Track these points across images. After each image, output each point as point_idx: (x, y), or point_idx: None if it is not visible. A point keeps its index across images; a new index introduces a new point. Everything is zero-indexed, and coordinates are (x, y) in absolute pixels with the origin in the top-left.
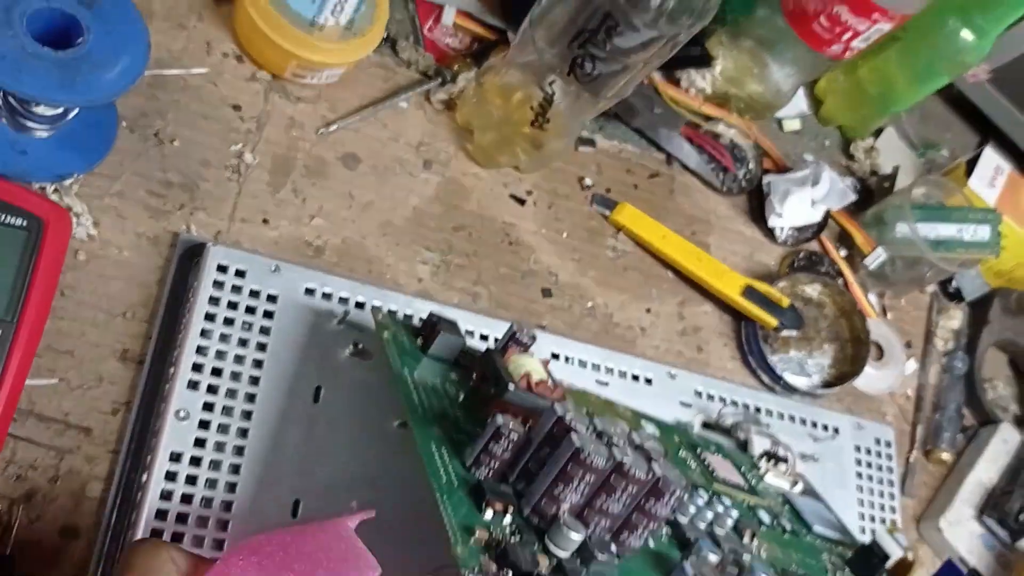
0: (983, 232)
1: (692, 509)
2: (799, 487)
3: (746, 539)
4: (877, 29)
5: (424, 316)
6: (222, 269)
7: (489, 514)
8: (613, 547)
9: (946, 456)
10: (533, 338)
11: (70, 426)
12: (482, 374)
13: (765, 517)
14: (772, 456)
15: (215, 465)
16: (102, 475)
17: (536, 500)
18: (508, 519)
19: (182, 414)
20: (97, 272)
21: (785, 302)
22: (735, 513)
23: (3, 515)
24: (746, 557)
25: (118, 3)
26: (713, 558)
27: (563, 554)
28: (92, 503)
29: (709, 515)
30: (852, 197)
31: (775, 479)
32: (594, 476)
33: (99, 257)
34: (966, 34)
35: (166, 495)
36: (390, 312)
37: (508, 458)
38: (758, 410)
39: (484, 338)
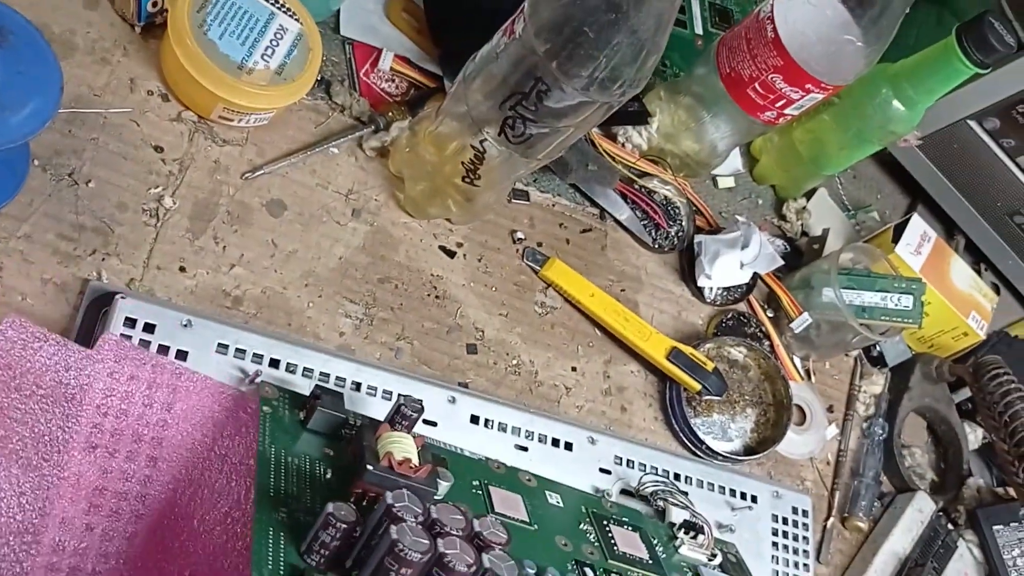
0: (906, 301)
1: None
2: (717, 560)
3: None
4: (810, 98)
5: (335, 377)
6: (130, 323)
7: None
8: None
9: (862, 524)
10: (419, 411)
11: None
12: (354, 451)
13: None
14: (690, 527)
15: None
16: None
17: None
18: None
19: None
20: None
21: (710, 366)
22: None
23: None
24: None
25: (30, 42)
26: None
27: None
28: None
29: None
30: (779, 262)
31: (691, 552)
32: (411, 570)
33: None
34: (897, 105)
35: None
36: (278, 387)
37: (339, 546)
38: (677, 477)
39: (387, 395)
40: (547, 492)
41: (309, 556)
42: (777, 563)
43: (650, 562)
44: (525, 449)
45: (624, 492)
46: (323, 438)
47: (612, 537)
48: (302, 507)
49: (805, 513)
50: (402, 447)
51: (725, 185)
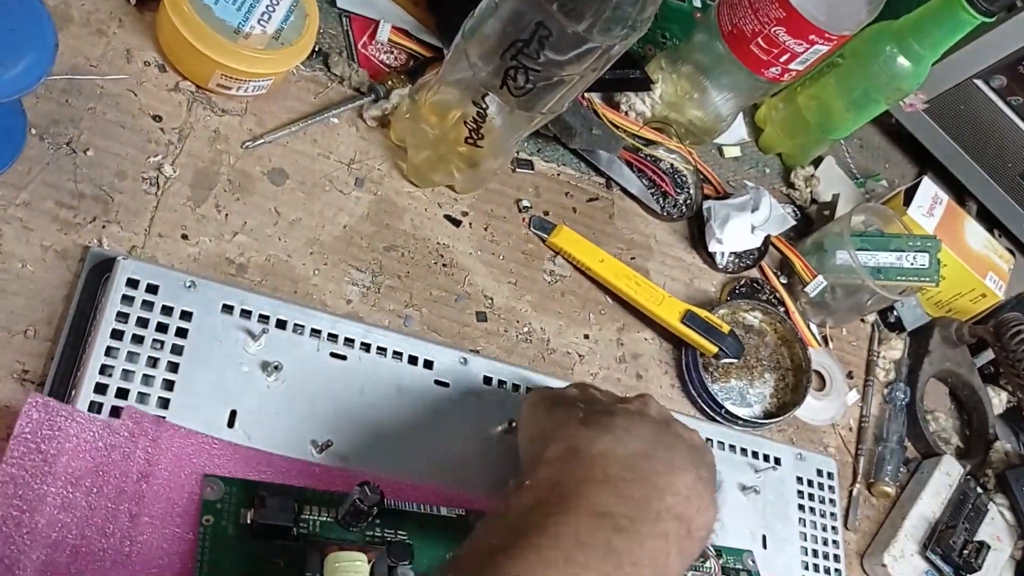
0: (923, 260)
1: None
2: None
3: None
4: (815, 51)
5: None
6: (132, 284)
7: None
8: None
9: (889, 489)
10: (379, 500)
11: None
12: (300, 569)
13: None
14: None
15: None
16: None
17: None
18: None
19: None
20: None
21: (725, 328)
22: None
23: None
24: None
25: (23, 1)
26: None
27: None
28: None
29: None
30: (792, 222)
31: None
32: None
33: (0, 272)
34: (903, 61)
35: None
36: (224, 480)
37: None
38: None
39: (413, 361)
40: None
41: None
42: (804, 525)
43: None
44: None
45: None
46: (273, 544)
47: None
48: None
49: (830, 475)
50: (351, 574)
51: (731, 154)
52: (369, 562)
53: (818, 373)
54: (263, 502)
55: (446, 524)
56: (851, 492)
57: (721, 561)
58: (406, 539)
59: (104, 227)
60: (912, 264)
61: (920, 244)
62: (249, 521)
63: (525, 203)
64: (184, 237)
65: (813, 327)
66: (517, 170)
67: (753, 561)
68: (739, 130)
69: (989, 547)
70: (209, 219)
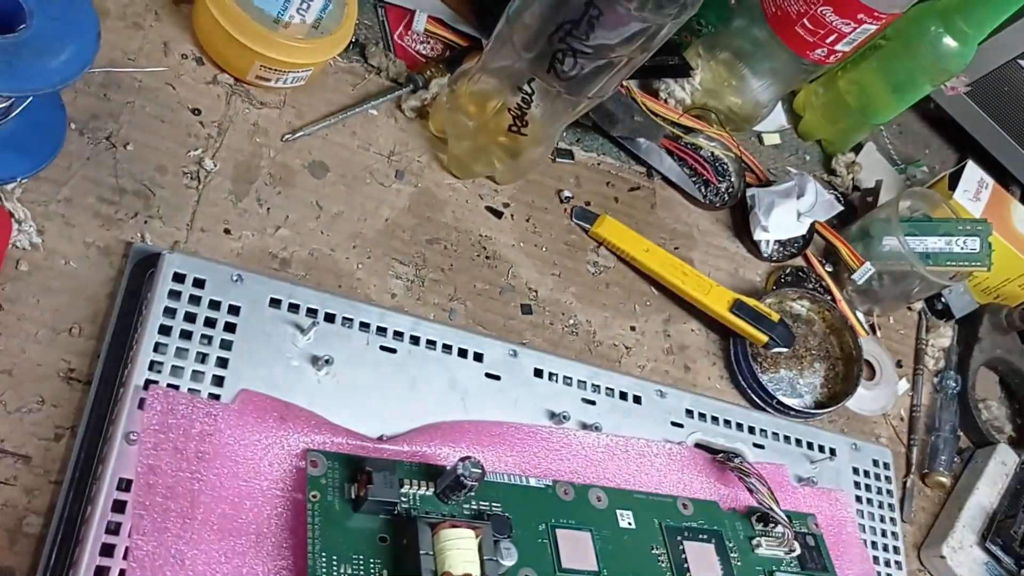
0: (973, 244)
1: None
2: (796, 552)
3: None
4: (862, 31)
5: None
6: (179, 278)
7: None
8: None
9: (944, 479)
10: (480, 476)
11: (6, 454)
12: (408, 543)
13: None
14: (767, 518)
15: None
16: (42, 509)
17: None
18: None
19: (132, 437)
20: (40, 284)
21: (775, 317)
22: None
23: None
24: None
25: None
26: None
27: None
28: (30, 541)
29: None
30: (839, 207)
31: (769, 550)
32: None
33: (42, 268)
34: (948, 40)
35: (113, 528)
36: (326, 455)
37: None
38: (752, 430)
39: (463, 354)
40: (618, 512)
41: None
42: (863, 517)
43: None
44: (593, 403)
45: (699, 446)
46: (376, 519)
47: (685, 558)
48: None
49: (887, 466)
50: (461, 551)
51: (771, 142)
52: (477, 537)
53: (867, 362)
54: (369, 477)
55: (536, 494)
56: (905, 483)
57: (792, 527)
58: (502, 511)
59: (146, 222)
60: (962, 248)
61: (970, 228)
62: (354, 496)
63: (567, 193)
64: (227, 232)
65: (860, 316)
66: (557, 160)
67: (816, 525)
68: (778, 117)
69: None
70: (251, 213)
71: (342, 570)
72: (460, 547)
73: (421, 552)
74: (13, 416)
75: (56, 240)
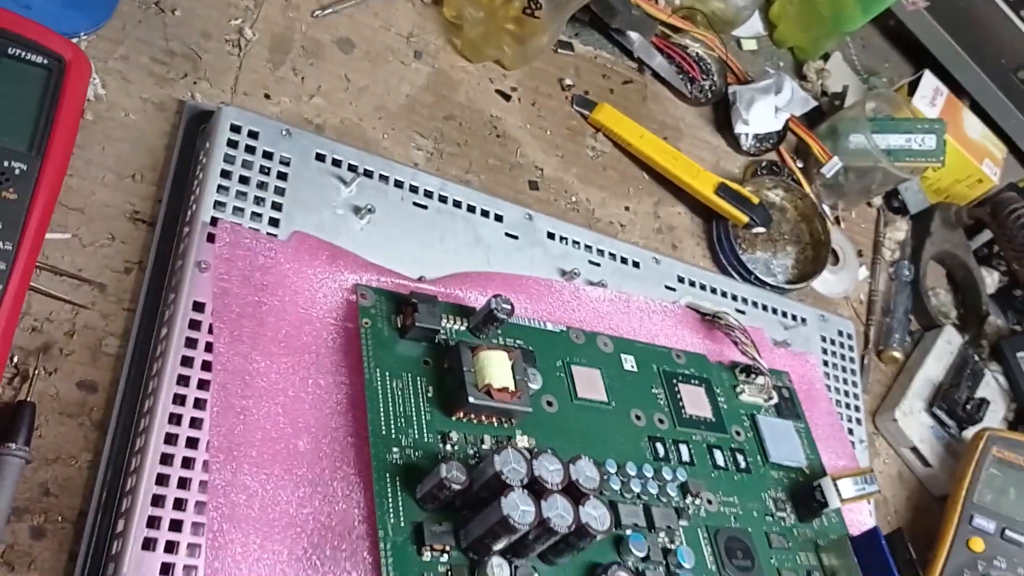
0: (930, 141)
1: (637, 486)
2: (773, 401)
3: (689, 499)
4: None
5: (424, 190)
6: (235, 129)
7: (427, 556)
8: (536, 574)
9: (897, 354)
10: (509, 311)
11: (84, 281)
12: (450, 365)
13: (720, 458)
14: (750, 370)
15: None
16: (117, 332)
17: (470, 541)
18: (445, 558)
19: (203, 266)
20: (105, 133)
21: (755, 199)
22: (683, 475)
23: (20, 366)
24: (674, 541)
25: None
26: (639, 551)
27: None
28: (109, 359)
29: (654, 489)
30: (813, 103)
31: (750, 397)
32: (519, 534)
33: (106, 119)
34: None
35: (190, 343)
36: (374, 290)
37: (451, 499)
38: (734, 298)
39: (485, 214)
40: (622, 356)
41: (424, 504)
42: (829, 379)
43: (713, 420)
44: (598, 264)
45: (689, 307)
46: (420, 345)
47: (680, 398)
48: (411, 442)
49: (850, 336)
50: (498, 368)
51: (748, 47)
52: (511, 360)
53: (832, 249)
54: (415, 307)
55: (552, 336)
56: (863, 359)
57: (771, 381)
58: (526, 345)
59: (195, 83)
60: (920, 146)
61: (928, 127)
62: (400, 325)
63: (568, 82)
64: (267, 96)
65: (826, 209)
66: (559, 51)
67: (790, 380)
68: (755, 24)
69: (989, 403)
70: (287, 81)
71: (394, 384)
72: (497, 365)
73: (464, 369)
74: (88, 249)
75: (116, 94)
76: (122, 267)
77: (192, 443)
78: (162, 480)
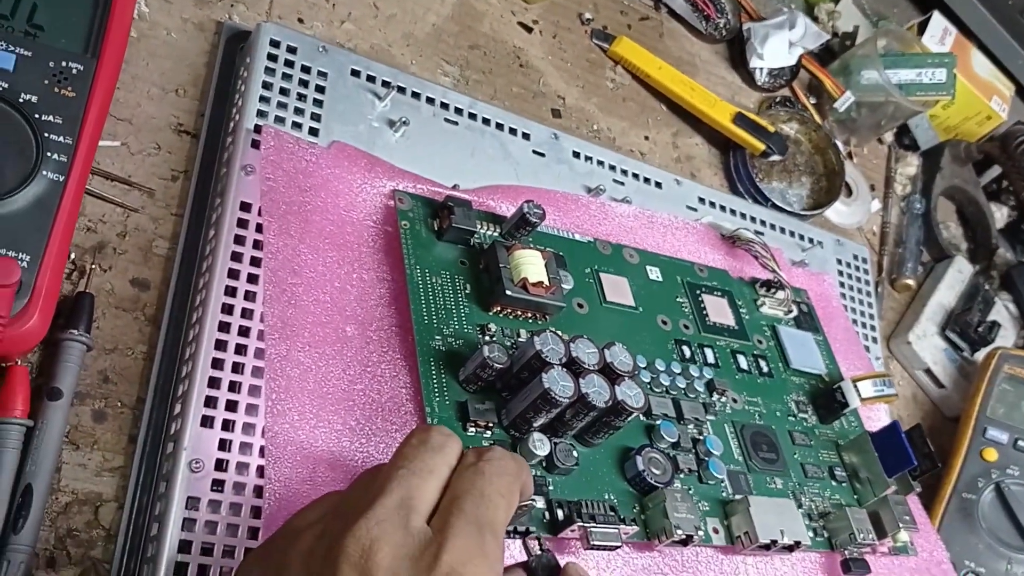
0: (940, 75)
1: (666, 380)
2: (793, 314)
3: (715, 396)
4: None
5: (454, 107)
6: (274, 44)
7: (472, 431)
8: (575, 452)
9: (910, 282)
10: (541, 215)
11: (134, 186)
12: (486, 264)
13: (743, 362)
14: (770, 285)
15: None
16: (167, 235)
17: (512, 419)
18: (488, 434)
19: (249, 169)
20: (148, 51)
21: (771, 128)
22: (709, 374)
23: (77, 262)
24: (702, 432)
25: None
26: (670, 438)
27: (532, 461)
28: (159, 260)
29: (682, 384)
30: (826, 37)
31: (771, 310)
32: (559, 409)
33: (149, 37)
34: None
35: (238, 240)
36: (411, 195)
37: (493, 379)
38: (753, 219)
39: (512, 132)
40: (648, 267)
41: (468, 385)
42: (845, 299)
43: (736, 328)
44: (622, 184)
45: (712, 226)
46: (456, 247)
47: (704, 307)
48: (452, 331)
49: (864, 260)
50: (533, 265)
51: None
52: (544, 259)
53: (845, 183)
54: (451, 211)
55: (581, 246)
56: (877, 287)
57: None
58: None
59: (232, 6)
60: (931, 79)
61: (938, 60)
62: (437, 228)
63: (587, 16)
64: (300, 20)
65: (839, 144)
66: None
67: (809, 298)
68: None
69: (1000, 325)
70: (319, 7)
71: (433, 280)
72: (532, 262)
73: (501, 265)
74: (136, 157)
75: (158, 14)
76: (169, 175)
77: (244, 331)
78: (217, 364)
